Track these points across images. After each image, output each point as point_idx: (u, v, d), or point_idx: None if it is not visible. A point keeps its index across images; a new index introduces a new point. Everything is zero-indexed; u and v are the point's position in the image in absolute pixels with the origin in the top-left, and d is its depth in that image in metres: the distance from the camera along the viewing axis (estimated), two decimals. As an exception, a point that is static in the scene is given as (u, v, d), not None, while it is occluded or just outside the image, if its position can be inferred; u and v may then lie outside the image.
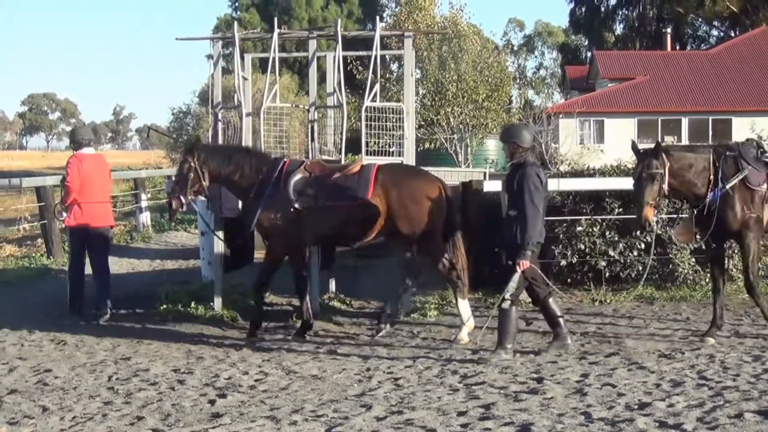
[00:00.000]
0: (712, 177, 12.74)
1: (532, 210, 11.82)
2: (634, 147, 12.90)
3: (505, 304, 11.92)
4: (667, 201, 15.53)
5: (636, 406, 9.29)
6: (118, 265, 20.29)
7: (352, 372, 11.44)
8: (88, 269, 16.29)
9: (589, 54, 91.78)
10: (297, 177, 13.85)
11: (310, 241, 14.44)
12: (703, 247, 14.26)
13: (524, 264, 11.86)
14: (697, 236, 13.28)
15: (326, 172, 14.01)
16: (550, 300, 12.47)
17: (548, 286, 12.55)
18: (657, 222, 12.94)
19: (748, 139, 13.60)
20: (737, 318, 14.44)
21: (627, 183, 16.06)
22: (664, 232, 16.05)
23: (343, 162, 15.03)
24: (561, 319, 12.48)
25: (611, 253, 16.26)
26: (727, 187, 12.65)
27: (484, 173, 19.22)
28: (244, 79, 16.37)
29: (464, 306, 13.69)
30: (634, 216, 14.35)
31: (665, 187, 12.48)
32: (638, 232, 16.04)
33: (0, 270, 21.31)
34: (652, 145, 12.69)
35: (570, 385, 10.32)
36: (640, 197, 12.46)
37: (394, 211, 13.61)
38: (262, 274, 14.47)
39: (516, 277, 11.92)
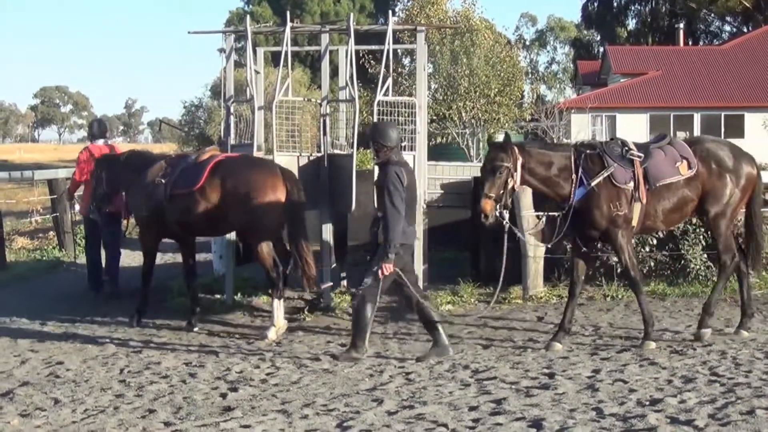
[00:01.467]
0: (575, 176, 12.48)
1: (391, 211, 11.69)
2: (489, 141, 13.14)
3: (357, 300, 11.99)
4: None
5: (647, 402, 9.27)
6: (130, 258, 20.30)
7: (363, 366, 11.45)
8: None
9: (601, 49, 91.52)
10: (154, 167, 14.45)
11: (171, 231, 14.73)
12: (568, 249, 14.20)
13: (387, 268, 11.66)
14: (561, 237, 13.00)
15: (179, 162, 14.51)
16: (425, 304, 12.22)
17: (420, 291, 12.43)
18: (499, 216, 12.50)
19: (612, 138, 13.44)
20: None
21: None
22: (677, 228, 16.03)
23: (354, 157, 15.02)
24: (439, 325, 12.23)
25: (623, 248, 16.22)
26: (593, 184, 12.41)
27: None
28: (257, 72, 16.37)
29: (278, 306, 13.87)
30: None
31: (513, 182, 12.23)
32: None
33: (12, 263, 21.36)
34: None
35: (581, 381, 10.31)
36: (481, 189, 12.26)
37: (227, 201, 13.79)
38: (143, 264, 15.19)
39: (372, 277, 11.84)
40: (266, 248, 13.76)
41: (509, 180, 12.15)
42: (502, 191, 12.12)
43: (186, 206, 13.92)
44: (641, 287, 12.76)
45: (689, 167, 12.65)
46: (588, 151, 12.65)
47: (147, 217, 14.53)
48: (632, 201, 12.53)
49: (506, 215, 12.28)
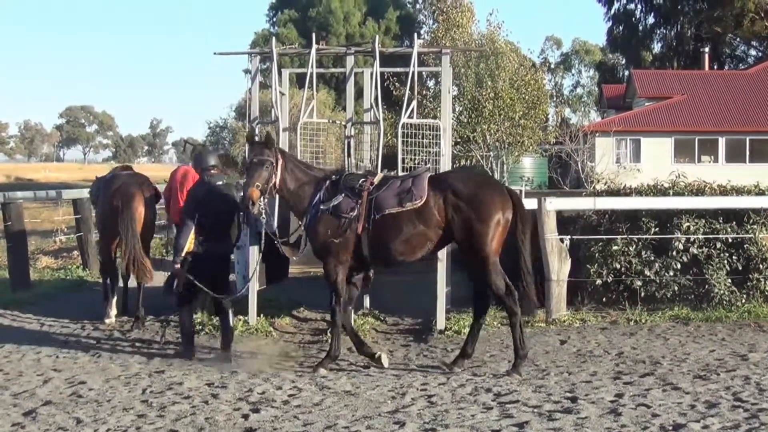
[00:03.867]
0: (314, 199, 13.01)
1: (182, 222, 13.85)
2: (249, 136, 14.06)
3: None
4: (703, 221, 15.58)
5: (671, 428, 9.23)
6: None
7: (385, 388, 11.42)
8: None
9: (626, 73, 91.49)
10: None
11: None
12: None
13: (175, 270, 13.58)
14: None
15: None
16: (185, 313, 13.93)
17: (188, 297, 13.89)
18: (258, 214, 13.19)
19: (368, 171, 14.26)
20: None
21: (664, 202, 16.07)
22: (701, 252, 16.00)
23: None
24: (194, 336, 14.29)
25: (647, 272, 16.18)
26: (321, 208, 12.88)
27: (520, 191, 19.12)
28: (282, 94, 16.42)
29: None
30: (671, 236, 14.39)
31: (275, 178, 12.96)
32: (674, 252, 16.00)
33: (36, 281, 21.44)
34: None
35: (604, 405, 10.26)
36: (247, 179, 12.94)
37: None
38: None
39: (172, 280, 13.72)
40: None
41: (273, 175, 12.98)
42: (267, 184, 12.92)
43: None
44: (339, 318, 13.13)
45: (416, 199, 12.60)
46: (333, 178, 13.15)
47: None
48: (350, 230, 12.80)
49: (264, 214, 13.28)
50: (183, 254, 13.53)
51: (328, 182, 13.04)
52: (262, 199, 12.95)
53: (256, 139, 13.69)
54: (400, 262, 13.21)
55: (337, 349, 12.94)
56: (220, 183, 14.03)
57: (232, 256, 15.47)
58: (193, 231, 13.62)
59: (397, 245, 12.77)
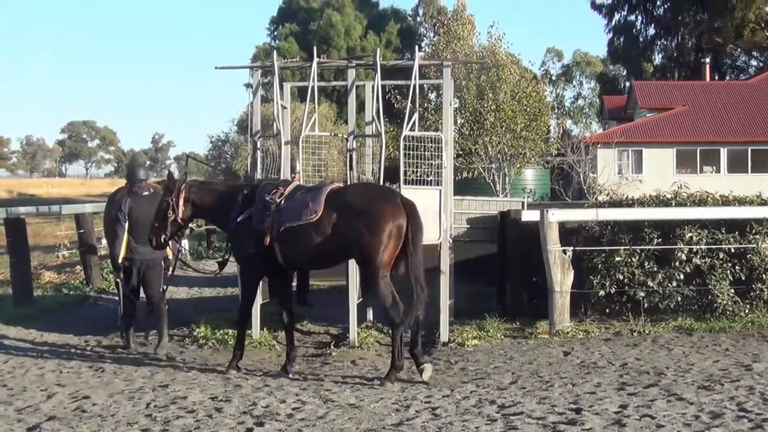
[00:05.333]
0: (234, 213, 13.66)
1: (114, 234, 15.47)
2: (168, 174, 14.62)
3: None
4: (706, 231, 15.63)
5: (675, 438, 9.22)
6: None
7: (389, 401, 11.42)
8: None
9: (627, 84, 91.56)
10: None
11: None
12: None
13: (116, 276, 15.76)
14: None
15: None
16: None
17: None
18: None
19: (284, 180, 14.81)
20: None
21: (666, 213, 16.07)
22: (704, 263, 16.00)
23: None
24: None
25: (650, 283, 16.17)
26: (238, 220, 13.51)
27: (523, 203, 19.11)
28: (283, 107, 16.44)
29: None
30: (673, 246, 14.40)
31: (175, 215, 13.96)
32: (677, 263, 16.00)
33: (39, 297, 21.45)
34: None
35: (608, 417, 10.25)
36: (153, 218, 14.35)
37: None
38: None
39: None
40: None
41: (169, 212, 13.93)
42: (164, 221, 13.98)
43: None
44: (244, 328, 14.21)
45: (312, 213, 13.00)
46: (245, 191, 13.85)
47: None
48: (262, 242, 13.22)
49: (170, 243, 14.60)
50: (120, 260, 15.38)
51: (242, 195, 13.71)
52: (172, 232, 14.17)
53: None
54: (316, 268, 14.64)
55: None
56: (146, 194, 15.45)
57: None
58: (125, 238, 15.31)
59: (303, 256, 13.34)
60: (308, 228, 12.97)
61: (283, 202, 13.24)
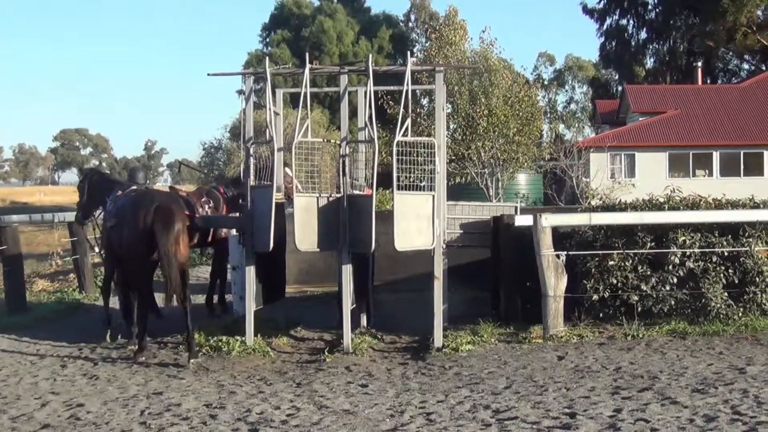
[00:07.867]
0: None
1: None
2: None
3: None
4: (699, 235, 15.68)
5: (670, 442, 9.23)
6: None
7: (384, 407, 11.42)
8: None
9: (619, 88, 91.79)
10: None
11: None
12: None
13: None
14: None
15: None
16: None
17: None
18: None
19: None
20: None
21: (659, 217, 16.08)
22: (697, 266, 16.01)
23: (374, 197, 15.05)
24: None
25: (643, 287, 16.17)
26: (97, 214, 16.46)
27: (516, 207, 19.09)
28: (276, 114, 16.43)
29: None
30: (667, 250, 14.41)
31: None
32: (670, 267, 16.01)
33: (33, 305, 21.43)
34: None
35: (603, 421, 10.27)
36: None
37: None
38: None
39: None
40: None
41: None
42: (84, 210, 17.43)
43: None
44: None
45: (111, 218, 15.87)
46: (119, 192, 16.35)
47: None
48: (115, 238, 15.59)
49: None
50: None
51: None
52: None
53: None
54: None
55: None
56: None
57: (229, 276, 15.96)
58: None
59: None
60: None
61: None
